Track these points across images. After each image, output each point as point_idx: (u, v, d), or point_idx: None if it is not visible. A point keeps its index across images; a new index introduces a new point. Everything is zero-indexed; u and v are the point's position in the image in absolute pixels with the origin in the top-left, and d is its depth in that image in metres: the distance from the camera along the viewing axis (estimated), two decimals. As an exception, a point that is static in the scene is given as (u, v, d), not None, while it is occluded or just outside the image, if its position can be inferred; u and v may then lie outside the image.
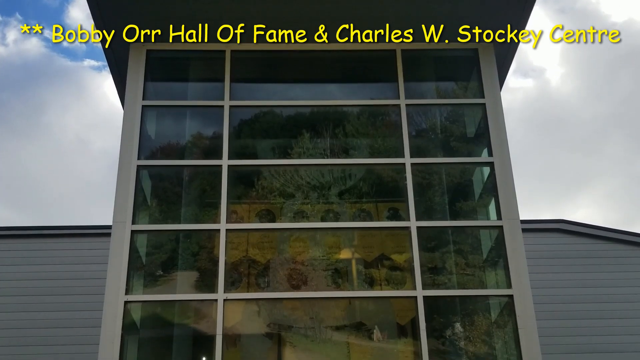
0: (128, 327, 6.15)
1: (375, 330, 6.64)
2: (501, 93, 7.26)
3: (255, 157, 7.35)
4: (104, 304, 6.04)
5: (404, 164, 6.83)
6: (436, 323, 6.58)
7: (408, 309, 6.53)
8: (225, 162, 6.77)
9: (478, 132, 7.26)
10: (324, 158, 7.13)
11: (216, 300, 6.20)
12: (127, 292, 6.16)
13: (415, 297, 6.26)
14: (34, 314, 10.24)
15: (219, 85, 7.17)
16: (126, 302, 6.11)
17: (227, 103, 7.08)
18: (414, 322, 6.34)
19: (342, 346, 6.55)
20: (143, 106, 6.95)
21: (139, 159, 6.71)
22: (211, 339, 6.12)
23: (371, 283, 6.88)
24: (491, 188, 6.83)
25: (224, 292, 6.23)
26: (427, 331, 6.10)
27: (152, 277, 6.89)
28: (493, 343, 6.61)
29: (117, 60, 7.25)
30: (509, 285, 6.27)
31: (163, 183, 7.35)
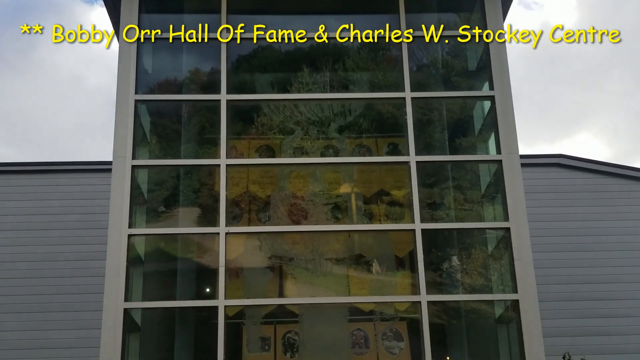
0: (132, 260, 6.28)
1: (374, 263, 6.79)
2: (504, 25, 7.11)
3: (254, 92, 7.28)
4: (108, 237, 6.15)
5: (404, 98, 6.78)
6: (434, 256, 6.73)
7: (406, 242, 6.65)
8: (223, 96, 6.71)
9: (479, 65, 7.16)
10: (324, 93, 7.07)
11: (218, 233, 6.31)
12: (130, 226, 6.26)
13: (414, 230, 6.36)
14: (38, 248, 10.44)
15: (216, 17, 7.01)
16: (130, 236, 6.22)
17: (224, 36, 6.94)
18: (412, 255, 6.46)
19: (342, 278, 6.72)
20: (139, 39, 6.82)
21: (136, 93, 6.65)
22: (214, 271, 6.27)
23: (370, 217, 6.98)
24: (491, 123, 6.81)
25: (226, 226, 6.33)
26: (424, 264, 6.22)
27: (155, 212, 6.98)
28: (489, 275, 6.76)
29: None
30: (506, 218, 6.35)
31: (162, 119, 7.33)
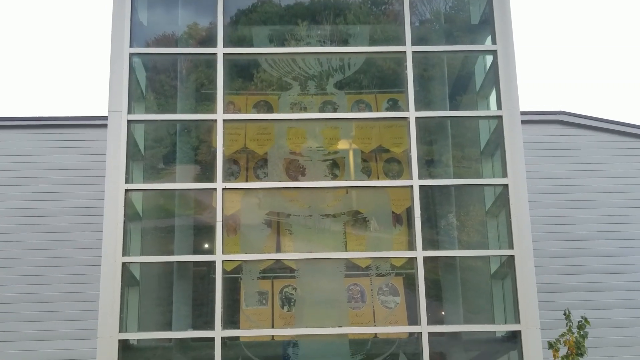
0: (130, 215, 6.29)
1: (371, 220, 6.80)
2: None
3: (252, 46, 7.14)
4: (105, 193, 6.14)
5: (404, 52, 6.65)
6: (431, 212, 6.73)
7: (404, 198, 6.65)
8: (220, 50, 6.58)
9: (482, 18, 7.00)
10: (323, 47, 6.94)
11: (215, 189, 6.29)
12: (127, 181, 6.24)
13: (411, 187, 6.35)
14: (34, 203, 10.43)
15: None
16: (127, 191, 6.21)
17: (219, -11, 6.74)
18: (409, 211, 6.47)
19: (339, 234, 6.75)
20: (132, -11, 6.64)
21: (131, 46, 6.53)
22: (212, 226, 6.28)
23: (368, 174, 6.97)
24: (492, 78, 6.70)
25: (223, 182, 6.31)
26: (422, 220, 6.23)
27: (152, 168, 6.97)
28: (486, 231, 6.79)
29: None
30: (505, 175, 6.33)
31: (158, 75, 7.23)
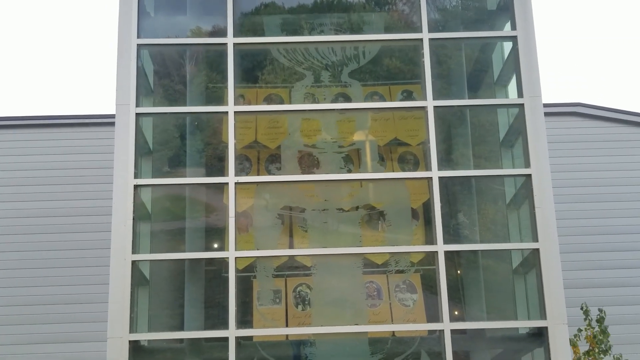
0: (139, 211, 6.12)
1: (387, 214, 6.61)
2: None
3: (263, 35, 6.97)
4: (114, 188, 5.98)
5: (421, 40, 6.46)
6: (450, 207, 6.53)
7: (421, 192, 6.46)
8: (230, 40, 6.41)
9: (500, 4, 6.81)
10: (335, 35, 6.77)
11: (227, 183, 6.12)
12: (136, 176, 6.07)
13: (430, 178, 6.15)
14: (46, 203, 10.34)
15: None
16: (136, 186, 6.04)
17: (229, -24, 6.58)
18: (427, 205, 6.26)
19: (355, 230, 6.56)
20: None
21: (138, 37, 6.37)
22: (223, 223, 6.10)
23: (384, 167, 6.78)
24: (512, 66, 6.51)
25: (235, 175, 6.13)
26: (440, 213, 6.01)
27: (161, 165, 6.81)
28: (507, 225, 6.59)
29: None
30: (528, 165, 6.12)
31: (166, 70, 7.09)
